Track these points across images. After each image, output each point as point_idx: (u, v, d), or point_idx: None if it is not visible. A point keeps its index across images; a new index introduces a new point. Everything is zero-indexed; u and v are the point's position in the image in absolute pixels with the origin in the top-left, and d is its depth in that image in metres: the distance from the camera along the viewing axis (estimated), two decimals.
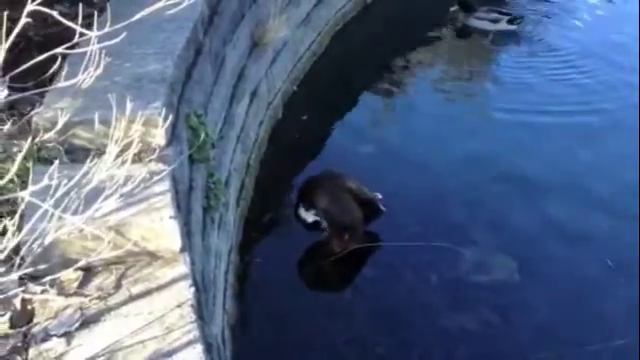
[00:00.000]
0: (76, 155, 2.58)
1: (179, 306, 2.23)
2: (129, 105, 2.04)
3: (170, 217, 2.41)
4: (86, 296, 2.27)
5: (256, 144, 5.20)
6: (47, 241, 1.86)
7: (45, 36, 3.36)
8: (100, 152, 2.40)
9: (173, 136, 2.83)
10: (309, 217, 4.40)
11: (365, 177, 4.64)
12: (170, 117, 2.77)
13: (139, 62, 3.06)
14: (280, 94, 5.97)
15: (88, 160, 1.80)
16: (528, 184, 5.08)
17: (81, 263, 2.11)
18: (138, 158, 2.51)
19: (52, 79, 2.70)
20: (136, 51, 3.12)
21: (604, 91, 6.46)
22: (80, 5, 2.09)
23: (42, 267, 2.09)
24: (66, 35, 2.38)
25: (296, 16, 6.30)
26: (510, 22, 7.78)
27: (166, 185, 2.46)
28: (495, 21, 7.81)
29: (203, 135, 3.19)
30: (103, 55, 1.65)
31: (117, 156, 1.86)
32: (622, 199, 4.93)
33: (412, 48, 7.48)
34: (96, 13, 2.20)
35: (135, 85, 2.89)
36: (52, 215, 1.68)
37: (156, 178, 2.34)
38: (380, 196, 4.53)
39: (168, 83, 2.93)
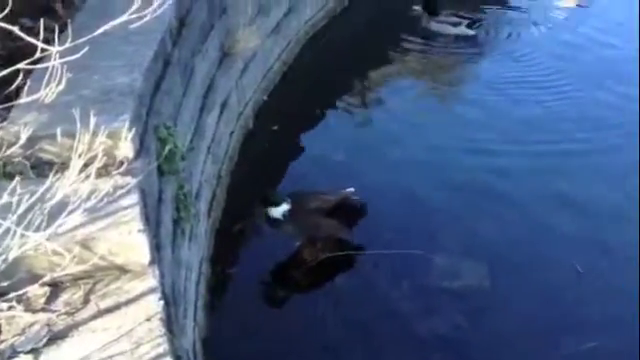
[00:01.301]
0: (42, 170, 2.55)
1: (148, 320, 2.22)
2: (95, 118, 2.03)
3: (139, 230, 2.40)
4: (53, 312, 2.25)
5: (227, 155, 5.19)
6: (11, 257, 1.84)
7: (10, 50, 3.33)
8: (66, 166, 2.39)
9: (142, 148, 2.82)
10: (277, 213, 4.26)
11: (336, 187, 4.64)
12: (138, 129, 2.77)
13: (107, 75, 3.04)
14: (251, 104, 5.97)
15: (51, 175, 1.78)
16: (497, 191, 5.14)
17: (46, 278, 2.09)
18: (105, 171, 2.50)
19: (18, 93, 2.67)
20: (104, 64, 3.11)
21: (557, 101, 6.58)
22: (42, 20, 2.08)
23: (7, 283, 2.06)
24: (31, 49, 2.36)
25: (266, 26, 6.32)
26: (469, 26, 7.94)
27: (134, 198, 2.45)
28: (455, 25, 7.97)
29: (172, 147, 3.18)
30: (65, 70, 1.64)
31: (82, 170, 1.85)
32: (590, 205, 5.01)
33: (381, 56, 7.54)
34: (58, 28, 2.19)
35: (103, 98, 2.87)
36: (15, 232, 1.66)
37: (123, 191, 2.33)
38: (352, 189, 4.51)
39: (136, 95, 2.91)
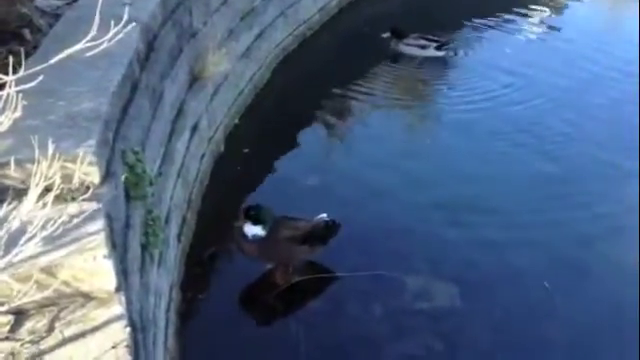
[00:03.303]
0: (6, 196, 2.52)
1: (114, 347, 2.19)
2: (60, 144, 2.02)
3: (104, 256, 2.37)
4: (17, 340, 2.21)
5: (197, 179, 5.17)
6: None
7: None
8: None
9: (108, 174, 2.79)
10: (250, 231, 4.23)
11: (308, 209, 4.65)
12: (104, 154, 2.75)
13: (73, 100, 3.02)
14: (221, 128, 5.97)
15: (6, 202, 1.76)
16: (468, 212, 5.18)
17: (6, 307, 2.06)
18: (71, 197, 2.47)
19: None
20: (70, 89, 3.09)
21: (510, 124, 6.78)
22: (9, 45, 2.07)
23: None
24: None
25: (236, 50, 6.34)
26: (437, 48, 8.09)
27: (100, 224, 2.42)
28: (423, 47, 8.12)
29: (140, 172, 3.16)
30: (21, 98, 1.63)
31: (44, 196, 1.83)
32: (558, 226, 5.09)
33: (350, 78, 7.62)
34: (25, 52, 2.17)
35: (68, 123, 2.85)
36: None
37: (87, 216, 2.30)
38: (325, 215, 4.52)
39: (103, 120, 2.89)
